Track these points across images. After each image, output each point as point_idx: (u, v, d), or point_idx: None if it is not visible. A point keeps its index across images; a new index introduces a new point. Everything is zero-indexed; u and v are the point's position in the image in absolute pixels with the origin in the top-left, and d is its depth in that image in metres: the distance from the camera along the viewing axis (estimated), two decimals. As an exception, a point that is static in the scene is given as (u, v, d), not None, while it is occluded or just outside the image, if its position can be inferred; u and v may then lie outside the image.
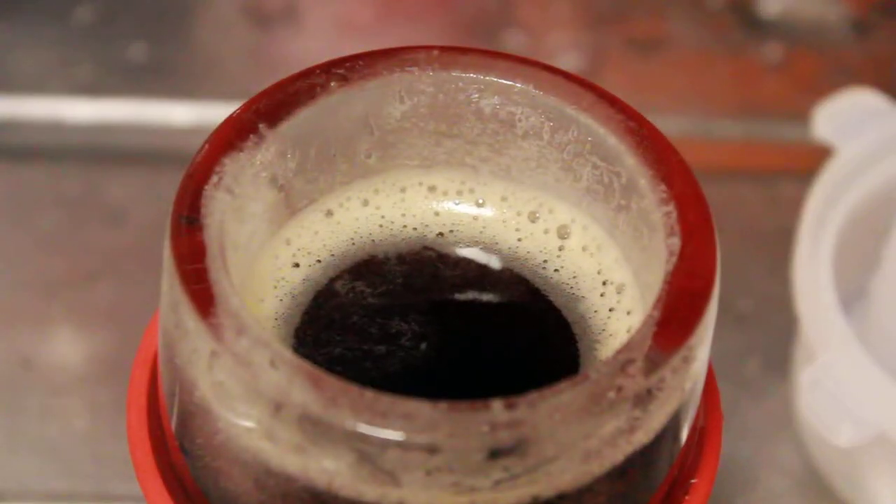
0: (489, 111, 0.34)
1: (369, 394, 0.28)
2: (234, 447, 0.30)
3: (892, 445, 0.44)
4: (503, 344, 0.33)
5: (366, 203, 0.35)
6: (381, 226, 0.34)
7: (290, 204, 0.34)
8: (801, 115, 0.52)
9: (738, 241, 0.53)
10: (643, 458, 0.30)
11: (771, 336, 0.52)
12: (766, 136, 0.58)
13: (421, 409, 0.28)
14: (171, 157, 0.55)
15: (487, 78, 0.34)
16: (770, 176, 0.56)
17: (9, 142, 0.56)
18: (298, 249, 0.34)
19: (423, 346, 0.32)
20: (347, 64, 0.33)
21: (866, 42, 0.61)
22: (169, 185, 0.32)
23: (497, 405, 0.28)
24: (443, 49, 0.34)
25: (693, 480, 0.32)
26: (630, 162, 0.32)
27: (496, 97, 0.34)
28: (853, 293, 0.49)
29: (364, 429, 0.28)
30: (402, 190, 0.35)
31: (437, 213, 0.35)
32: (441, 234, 0.34)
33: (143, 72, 0.58)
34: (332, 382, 0.29)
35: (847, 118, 0.49)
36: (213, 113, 0.56)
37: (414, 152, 0.35)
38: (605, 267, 0.34)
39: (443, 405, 0.28)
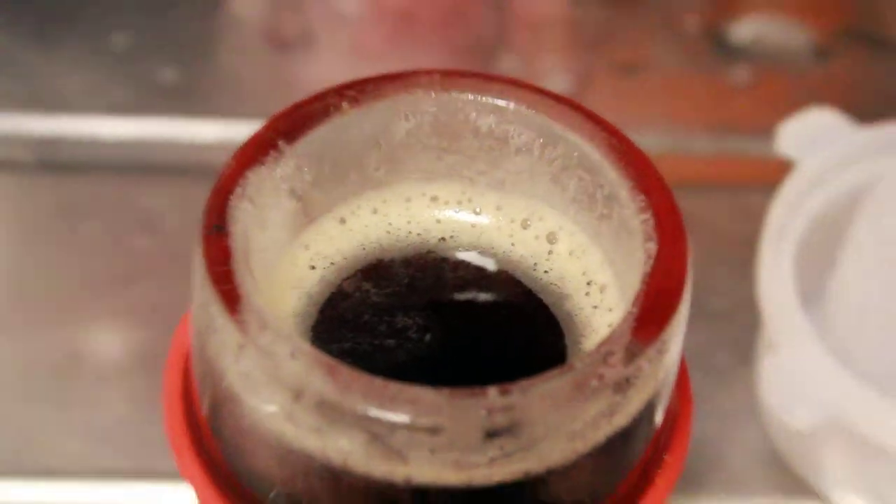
0: (485, 129, 0.34)
1: (379, 381, 0.29)
2: (259, 429, 0.30)
3: (844, 428, 0.44)
4: (498, 337, 0.33)
5: (375, 211, 0.35)
6: (388, 232, 0.35)
7: (307, 213, 0.34)
8: (767, 132, 0.52)
9: (708, 245, 0.53)
10: (622, 438, 0.30)
11: (737, 331, 0.51)
12: (734, 151, 0.58)
13: (425, 394, 0.28)
14: (200, 170, 0.55)
15: (484, 99, 0.34)
16: (737, 187, 0.56)
17: (53, 157, 0.56)
18: (315, 253, 0.34)
19: (427, 339, 0.32)
20: (358, 86, 0.33)
21: (827, 66, 0.61)
22: (198, 196, 0.32)
23: (493, 391, 0.29)
24: (443, 73, 0.34)
25: (666, 458, 0.33)
26: (612, 175, 0.33)
27: (492, 116, 0.34)
28: (811, 293, 0.49)
29: (375, 413, 0.28)
30: (408, 200, 0.35)
31: (438, 221, 0.35)
32: (443, 238, 0.35)
33: (173, 93, 0.58)
34: (346, 371, 0.29)
35: (808, 135, 0.49)
36: (238, 131, 0.56)
37: (418, 166, 0.35)
38: (589, 269, 0.34)
39: (445, 391, 0.28)
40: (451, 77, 0.34)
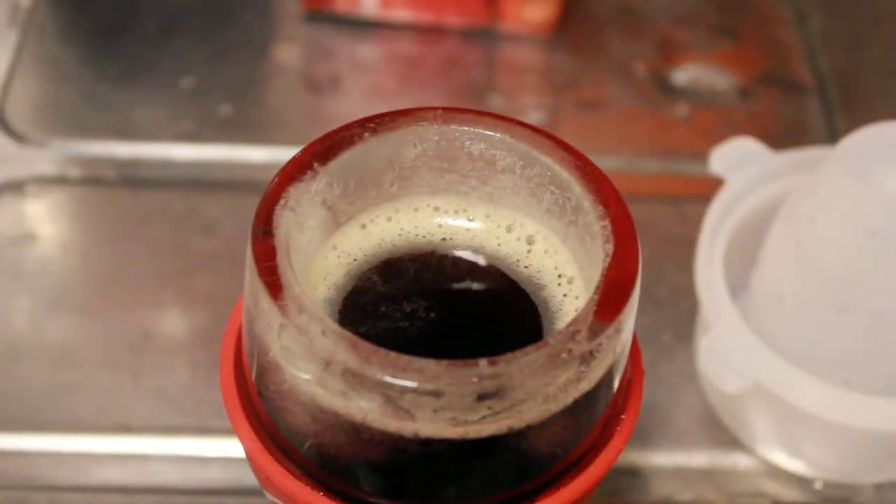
0: (477, 153, 0.34)
1: (392, 354, 0.29)
2: (296, 392, 0.30)
3: (764, 392, 0.44)
4: (488, 319, 0.33)
5: (389, 219, 0.35)
6: (400, 235, 0.34)
7: (336, 220, 0.34)
8: (702, 155, 0.52)
9: (655, 246, 0.53)
10: (587, 400, 0.30)
11: (679, 314, 0.51)
12: (675, 170, 0.58)
13: (429, 365, 0.28)
14: (250, 186, 0.55)
15: (476, 130, 0.34)
16: (678, 199, 0.56)
17: (134, 175, 0.56)
18: (341, 252, 0.34)
19: (430, 319, 0.32)
20: (376, 120, 0.33)
21: (748, 104, 0.60)
22: (249, 206, 0.32)
23: (483, 363, 0.28)
24: (444, 109, 0.34)
25: (623, 416, 0.33)
26: (577, 190, 0.33)
27: (482, 143, 0.34)
28: (738, 284, 0.48)
29: (389, 379, 0.28)
30: (416, 209, 0.35)
31: (440, 226, 0.35)
32: (443, 239, 0.34)
33: (229, 125, 0.58)
34: (366, 346, 0.29)
35: (734, 158, 0.49)
36: (280, 154, 0.56)
37: (424, 183, 0.35)
38: (560, 264, 0.34)
39: (444, 362, 0.28)
40: (449, 112, 0.34)
